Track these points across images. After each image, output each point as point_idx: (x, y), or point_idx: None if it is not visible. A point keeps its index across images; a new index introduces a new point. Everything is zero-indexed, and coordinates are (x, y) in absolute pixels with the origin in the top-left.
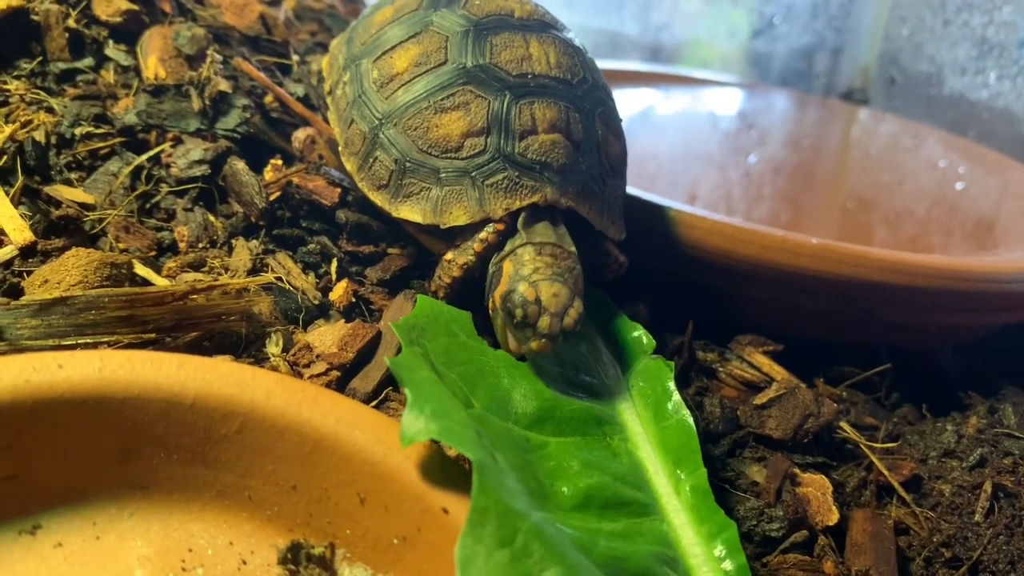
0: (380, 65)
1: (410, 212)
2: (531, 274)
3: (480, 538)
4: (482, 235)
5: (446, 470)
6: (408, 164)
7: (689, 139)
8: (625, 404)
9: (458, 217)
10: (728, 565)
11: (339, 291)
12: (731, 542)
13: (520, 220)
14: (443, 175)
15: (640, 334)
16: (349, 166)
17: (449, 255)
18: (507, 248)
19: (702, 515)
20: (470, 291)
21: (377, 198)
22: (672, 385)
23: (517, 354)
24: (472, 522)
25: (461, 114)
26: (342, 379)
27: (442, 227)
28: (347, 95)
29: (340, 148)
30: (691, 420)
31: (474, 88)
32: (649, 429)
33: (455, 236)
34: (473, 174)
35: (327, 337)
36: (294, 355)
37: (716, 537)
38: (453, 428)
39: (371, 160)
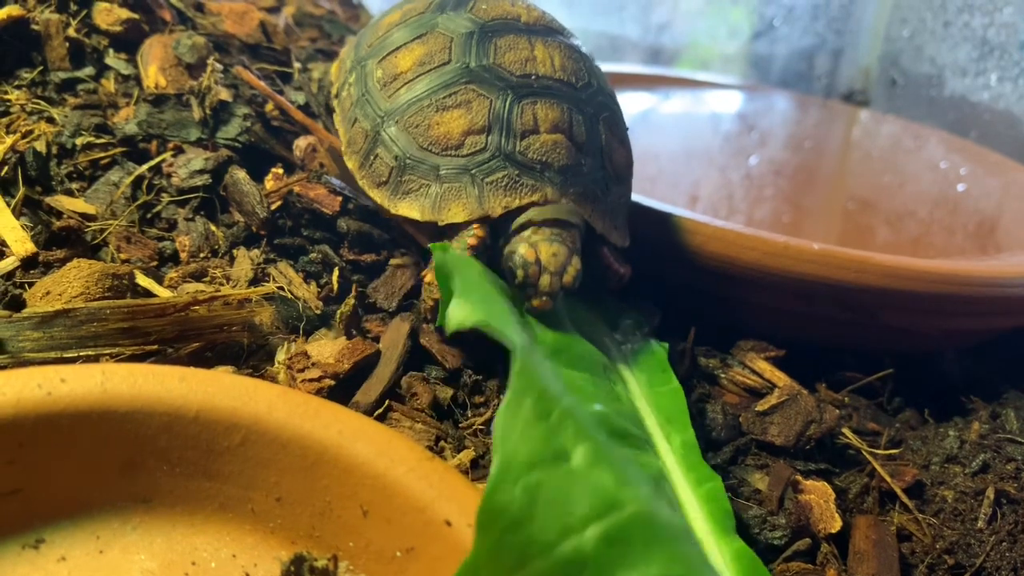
0: (384, 65)
1: (408, 209)
2: (530, 236)
3: (518, 413)
4: (465, 251)
5: (448, 483)
6: (408, 161)
7: (690, 141)
8: (623, 367)
9: (456, 214)
10: (715, 508)
11: (345, 308)
12: (717, 491)
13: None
14: (443, 172)
15: (636, 319)
16: (351, 164)
17: (428, 277)
18: (513, 234)
19: (690, 463)
20: None
21: (377, 195)
22: (665, 361)
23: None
24: (511, 398)
25: (462, 112)
26: (339, 391)
27: (440, 224)
28: (351, 95)
29: (343, 148)
30: (682, 393)
31: (476, 87)
32: (644, 391)
33: (452, 237)
34: (473, 172)
35: (325, 349)
36: (290, 359)
37: (703, 484)
38: (496, 316)
39: (372, 158)
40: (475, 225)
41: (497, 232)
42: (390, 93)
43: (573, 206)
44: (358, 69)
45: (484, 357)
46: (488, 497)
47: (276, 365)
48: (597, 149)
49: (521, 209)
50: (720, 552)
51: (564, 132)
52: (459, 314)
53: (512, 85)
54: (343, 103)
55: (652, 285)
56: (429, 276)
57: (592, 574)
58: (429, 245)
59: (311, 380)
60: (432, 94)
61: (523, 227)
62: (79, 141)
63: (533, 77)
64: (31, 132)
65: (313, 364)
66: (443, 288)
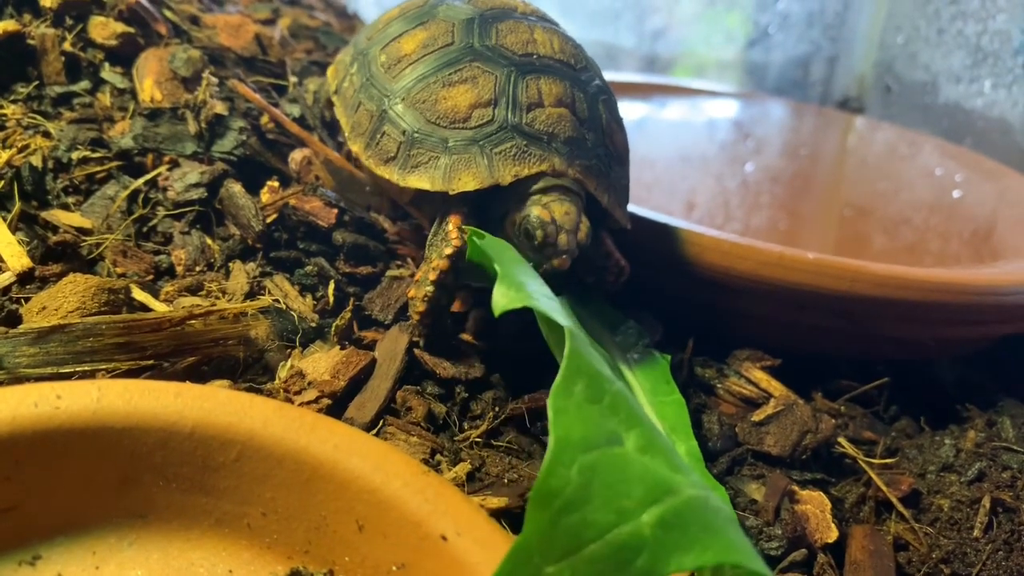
0: (388, 50)
1: (419, 180)
2: (539, 199)
3: (571, 393)
4: (444, 259)
5: (444, 497)
6: (417, 135)
7: (687, 148)
8: (628, 373)
9: (467, 183)
10: None
11: (341, 321)
12: (723, 500)
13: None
14: (451, 144)
15: (636, 330)
16: (356, 148)
17: (411, 292)
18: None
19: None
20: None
21: (385, 171)
22: (669, 373)
23: None
24: (564, 378)
25: (469, 87)
26: (333, 406)
27: (451, 193)
28: (354, 84)
29: (347, 134)
30: (684, 403)
31: (481, 64)
32: (648, 399)
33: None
34: (481, 143)
35: (320, 364)
36: (286, 382)
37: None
38: (540, 299)
39: (379, 136)
40: (452, 228)
41: (487, 213)
42: (395, 74)
43: (579, 177)
44: (360, 59)
45: (480, 369)
46: (544, 477)
47: (277, 382)
48: (599, 127)
49: (531, 179)
50: None
51: (568, 107)
52: (505, 299)
53: (515, 63)
54: (344, 93)
55: (649, 295)
56: (412, 292)
57: (649, 558)
58: (464, 230)
59: (308, 403)
60: (438, 71)
61: (526, 197)
62: (75, 155)
63: (535, 56)
64: (27, 146)
65: (309, 384)
66: (477, 269)
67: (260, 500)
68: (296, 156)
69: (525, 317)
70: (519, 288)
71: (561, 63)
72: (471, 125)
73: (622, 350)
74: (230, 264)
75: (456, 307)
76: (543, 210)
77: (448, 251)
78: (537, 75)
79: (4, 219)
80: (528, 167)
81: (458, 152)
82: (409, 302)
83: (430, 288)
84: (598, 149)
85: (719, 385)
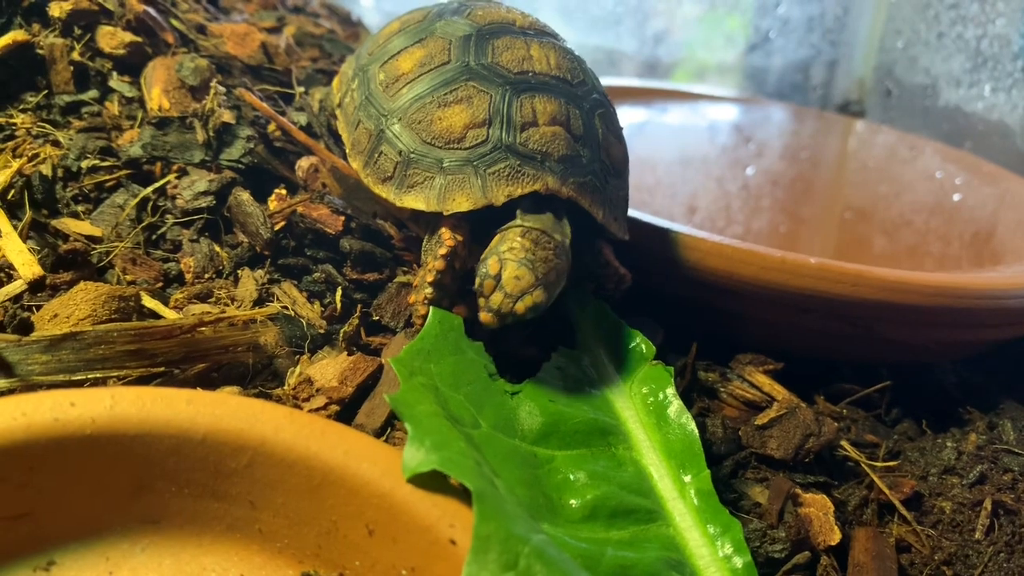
0: (386, 68)
1: (414, 201)
2: (506, 251)
3: (484, 564)
4: (439, 259)
5: (454, 502)
6: (412, 156)
7: (688, 152)
8: (628, 413)
9: (461, 203)
10: (734, 563)
11: (348, 328)
12: (736, 541)
13: (518, 211)
14: (446, 164)
15: (640, 341)
16: (355, 164)
17: (412, 298)
18: (503, 228)
19: (707, 517)
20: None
21: (382, 190)
22: (673, 391)
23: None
24: (476, 550)
25: (464, 107)
26: (342, 413)
27: (445, 213)
28: (354, 100)
29: (347, 149)
30: (693, 425)
31: (476, 84)
32: (653, 436)
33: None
34: (475, 163)
35: (328, 370)
36: (294, 389)
37: (722, 537)
38: (452, 458)
39: (377, 155)
40: (445, 230)
41: (484, 230)
42: (393, 93)
43: (573, 195)
44: (360, 75)
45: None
46: None
47: (286, 388)
48: (595, 142)
49: (524, 198)
50: None
51: (562, 125)
52: (415, 460)
53: (510, 81)
54: (346, 109)
55: (651, 299)
56: (412, 297)
57: None
58: (390, 360)
59: (317, 409)
60: (434, 91)
61: (511, 227)
62: (84, 164)
63: (530, 74)
64: (37, 156)
65: (318, 391)
66: None
67: (271, 505)
68: (303, 164)
69: (528, 321)
70: (429, 449)
71: (557, 79)
72: (466, 145)
73: (622, 373)
74: (239, 271)
75: (461, 312)
76: (496, 263)
77: (442, 251)
78: (532, 93)
79: (15, 227)
80: (521, 187)
81: (453, 172)
82: (411, 308)
83: (429, 291)
84: (593, 165)
85: (722, 389)
